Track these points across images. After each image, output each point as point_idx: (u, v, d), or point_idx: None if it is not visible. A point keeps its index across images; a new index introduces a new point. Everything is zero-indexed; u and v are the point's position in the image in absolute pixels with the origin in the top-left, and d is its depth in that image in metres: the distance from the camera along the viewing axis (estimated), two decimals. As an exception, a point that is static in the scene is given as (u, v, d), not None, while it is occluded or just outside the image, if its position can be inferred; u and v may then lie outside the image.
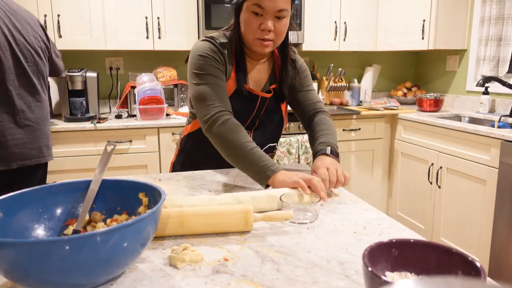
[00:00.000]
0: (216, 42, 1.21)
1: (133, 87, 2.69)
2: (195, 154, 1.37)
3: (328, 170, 1.06)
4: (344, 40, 3.12)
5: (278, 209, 0.97)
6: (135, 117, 2.68)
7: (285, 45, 1.27)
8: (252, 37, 1.15)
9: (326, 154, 1.15)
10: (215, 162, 1.32)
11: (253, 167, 1.08)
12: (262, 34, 1.13)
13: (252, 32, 1.14)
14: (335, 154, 1.17)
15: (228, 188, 1.14)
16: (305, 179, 1.00)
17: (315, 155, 1.19)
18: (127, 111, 2.79)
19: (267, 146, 1.39)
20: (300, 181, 0.98)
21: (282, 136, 2.73)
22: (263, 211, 0.96)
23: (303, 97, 1.36)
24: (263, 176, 1.06)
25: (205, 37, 1.23)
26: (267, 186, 1.08)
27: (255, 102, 1.28)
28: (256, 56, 1.26)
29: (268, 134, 1.38)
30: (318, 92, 3.29)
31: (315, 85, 3.26)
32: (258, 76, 1.30)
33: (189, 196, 1.03)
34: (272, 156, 1.44)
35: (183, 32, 2.78)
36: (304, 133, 2.77)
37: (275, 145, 1.43)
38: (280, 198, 0.93)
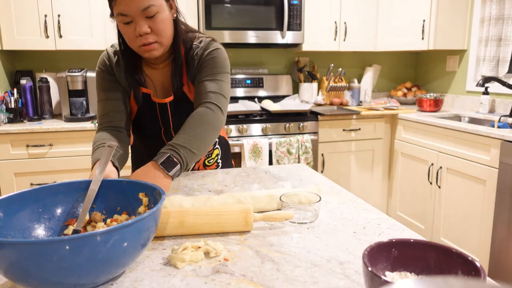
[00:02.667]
0: (110, 52, 1.20)
1: (133, 87, 2.69)
2: (140, 164, 1.25)
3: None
4: (344, 40, 3.12)
5: (278, 209, 0.97)
6: (135, 117, 2.68)
7: (176, 42, 1.15)
8: (135, 46, 1.07)
9: (154, 162, 0.98)
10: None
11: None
12: (141, 40, 1.04)
13: (132, 41, 1.07)
14: (170, 164, 0.98)
15: (228, 188, 1.15)
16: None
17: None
18: (127, 111, 2.79)
19: None
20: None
21: (282, 136, 2.74)
22: (263, 211, 0.96)
23: (199, 88, 1.16)
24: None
25: (110, 45, 1.24)
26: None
27: (155, 109, 1.22)
28: (154, 61, 1.18)
29: None
30: (318, 92, 3.29)
31: (314, 85, 3.26)
32: (163, 80, 1.22)
33: (189, 196, 1.03)
34: (210, 155, 1.37)
35: (183, 32, 2.77)
36: (304, 133, 2.78)
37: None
38: (280, 198, 0.93)
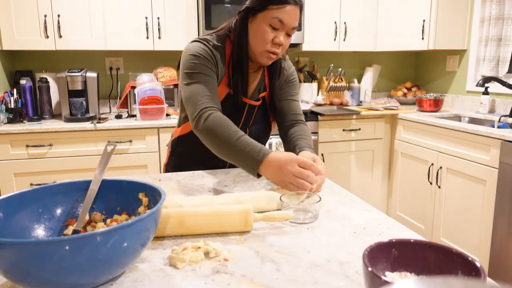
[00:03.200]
0: (209, 44, 1.19)
1: (133, 87, 2.69)
2: (186, 156, 1.36)
3: (314, 160, 1.05)
4: (344, 40, 3.12)
5: (278, 209, 0.97)
6: (135, 117, 2.68)
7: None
8: (263, 49, 1.15)
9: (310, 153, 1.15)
10: (207, 164, 1.33)
11: (241, 157, 1.03)
12: (273, 48, 1.15)
13: (264, 44, 1.14)
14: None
15: (228, 188, 1.14)
16: (301, 176, 0.97)
17: (296, 150, 1.19)
18: (127, 111, 2.79)
19: None
20: (296, 181, 0.97)
21: (282, 136, 2.75)
22: (263, 211, 0.96)
23: (287, 106, 1.32)
24: (251, 168, 1.02)
25: (198, 38, 1.22)
26: (259, 176, 1.05)
27: (242, 110, 1.28)
28: (252, 66, 1.26)
29: (257, 140, 1.33)
30: (318, 92, 3.29)
31: (314, 85, 3.26)
32: (250, 83, 1.30)
33: (189, 196, 1.03)
34: None
35: (183, 32, 2.78)
36: (304, 133, 2.78)
37: None
38: (280, 198, 0.93)
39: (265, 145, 1.40)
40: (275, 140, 2.66)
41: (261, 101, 1.31)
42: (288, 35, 1.16)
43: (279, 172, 0.98)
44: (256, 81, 1.30)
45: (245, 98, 1.26)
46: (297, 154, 1.12)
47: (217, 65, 1.20)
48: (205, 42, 1.19)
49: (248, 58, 1.21)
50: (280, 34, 1.13)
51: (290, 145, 1.27)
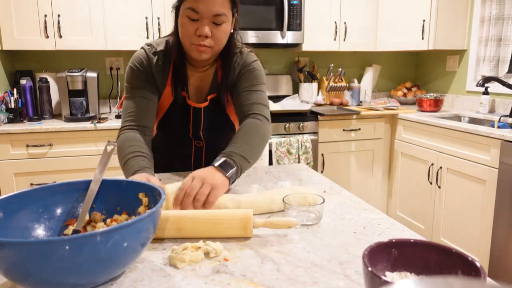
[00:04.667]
0: (151, 51, 1.19)
1: (133, 87, 2.68)
2: (157, 162, 1.26)
3: (193, 179, 0.93)
4: (344, 40, 3.12)
5: (279, 211, 0.97)
6: (135, 117, 2.67)
7: (227, 52, 1.19)
8: (189, 42, 1.09)
9: (212, 166, 0.99)
10: (176, 169, 1.32)
11: (126, 177, 1.04)
12: (198, 40, 1.07)
13: (188, 37, 1.08)
14: (227, 166, 1.00)
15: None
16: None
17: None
18: (127, 111, 2.79)
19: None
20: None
21: (282, 136, 2.74)
22: (265, 212, 0.96)
23: (242, 98, 1.21)
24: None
25: (145, 44, 1.22)
26: None
27: (188, 113, 1.24)
28: (197, 63, 1.20)
29: (219, 142, 1.30)
30: (318, 92, 3.29)
31: (314, 85, 3.26)
32: (200, 84, 1.24)
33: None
34: None
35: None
36: (304, 133, 2.78)
37: None
38: (283, 200, 0.92)
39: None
40: (275, 140, 2.66)
41: (207, 102, 1.23)
42: (216, 24, 1.07)
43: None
44: (207, 81, 1.24)
45: (190, 101, 1.23)
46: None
47: (155, 73, 1.18)
48: (147, 50, 1.19)
49: (184, 54, 1.17)
50: (202, 24, 1.06)
51: None
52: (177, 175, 1.27)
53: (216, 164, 0.99)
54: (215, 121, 1.27)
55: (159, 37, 2.68)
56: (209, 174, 0.94)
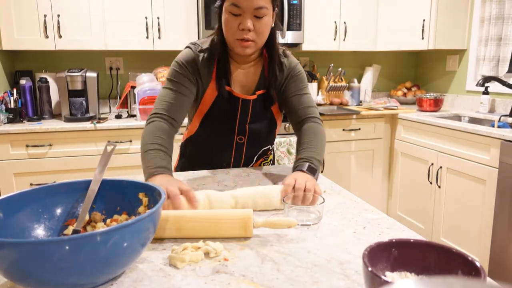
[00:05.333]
0: (197, 49, 1.22)
1: (133, 87, 2.69)
2: (194, 158, 1.38)
3: (295, 180, 1.00)
4: (344, 40, 3.12)
5: (278, 209, 0.97)
6: (135, 117, 2.68)
7: (271, 46, 1.25)
8: (232, 38, 1.13)
9: (301, 171, 1.09)
10: (213, 164, 1.36)
11: (143, 167, 1.07)
12: (242, 34, 1.11)
13: (231, 33, 1.13)
14: (312, 170, 1.10)
15: (228, 188, 1.14)
16: (181, 189, 0.91)
17: (294, 170, 1.13)
18: (127, 111, 2.79)
19: (261, 151, 1.40)
20: (169, 190, 0.89)
21: (282, 136, 2.74)
22: (264, 209, 0.96)
23: (295, 101, 1.29)
24: (145, 177, 1.03)
25: (190, 43, 1.25)
26: None
27: (237, 105, 1.26)
28: (242, 59, 1.23)
29: (261, 138, 1.37)
30: (318, 92, 3.29)
31: (314, 85, 3.26)
32: (245, 80, 1.27)
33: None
34: (267, 158, 1.45)
35: (183, 32, 2.78)
36: (304, 133, 2.77)
37: (269, 148, 1.43)
38: (283, 200, 0.92)
39: (272, 143, 1.43)
40: (294, 138, 2.64)
41: (256, 96, 1.27)
42: (258, 18, 1.11)
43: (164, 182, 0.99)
44: (254, 77, 1.28)
45: (238, 93, 1.25)
46: (293, 170, 1.13)
47: (200, 69, 1.22)
48: (193, 48, 1.23)
49: (227, 50, 1.21)
50: (244, 19, 1.09)
51: (297, 155, 1.21)
52: (210, 173, 1.27)
53: (304, 169, 1.09)
54: (261, 116, 1.31)
55: (159, 37, 2.70)
56: (304, 176, 1.03)
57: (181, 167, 1.42)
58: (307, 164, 1.11)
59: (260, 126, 1.33)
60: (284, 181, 1.02)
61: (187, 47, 1.24)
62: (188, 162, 1.40)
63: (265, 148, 1.41)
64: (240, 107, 1.27)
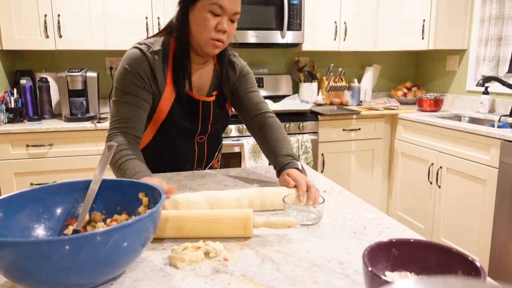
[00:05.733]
0: (148, 50, 1.15)
1: (133, 87, 2.68)
2: (153, 167, 1.28)
3: (306, 182, 1.02)
4: (344, 40, 3.12)
5: (278, 209, 0.97)
6: (135, 117, 2.67)
7: (226, 51, 1.27)
8: (207, 37, 1.11)
9: (297, 169, 1.10)
10: (176, 170, 1.35)
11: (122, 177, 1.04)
12: (217, 35, 1.11)
13: (207, 32, 1.11)
14: (298, 165, 1.12)
15: (228, 188, 1.14)
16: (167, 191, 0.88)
17: (284, 166, 1.12)
18: (127, 111, 2.79)
19: (219, 146, 1.45)
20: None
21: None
22: (262, 210, 0.96)
23: (245, 99, 1.31)
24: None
25: (138, 43, 1.18)
26: None
27: (197, 107, 1.25)
28: (199, 60, 1.22)
29: (218, 136, 1.42)
30: (318, 92, 3.29)
31: (314, 85, 3.26)
32: (200, 81, 1.26)
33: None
34: (220, 151, 1.47)
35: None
36: (304, 133, 2.77)
37: (222, 142, 1.48)
38: (283, 200, 0.92)
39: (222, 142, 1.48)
40: (293, 138, 2.64)
41: (214, 97, 1.27)
42: (232, 21, 1.13)
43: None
44: (208, 77, 1.27)
45: (197, 95, 1.24)
46: (282, 169, 1.11)
47: (154, 74, 1.16)
48: (145, 49, 1.16)
49: (189, 50, 1.18)
50: (223, 20, 1.10)
51: (270, 153, 1.21)
52: (210, 173, 1.27)
53: (299, 167, 1.12)
54: (220, 114, 1.33)
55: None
56: (303, 175, 1.07)
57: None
58: (295, 161, 1.14)
59: (220, 124, 1.35)
60: (296, 183, 1.03)
61: (136, 47, 1.16)
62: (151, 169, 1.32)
63: (221, 144, 1.47)
64: (201, 109, 1.25)
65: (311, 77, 3.29)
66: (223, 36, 1.12)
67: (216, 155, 1.43)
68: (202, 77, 1.26)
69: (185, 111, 1.23)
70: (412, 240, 0.61)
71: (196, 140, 1.33)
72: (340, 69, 3.24)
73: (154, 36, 1.23)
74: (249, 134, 2.67)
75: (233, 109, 1.38)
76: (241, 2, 1.14)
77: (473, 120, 2.87)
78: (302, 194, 0.97)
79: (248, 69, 1.35)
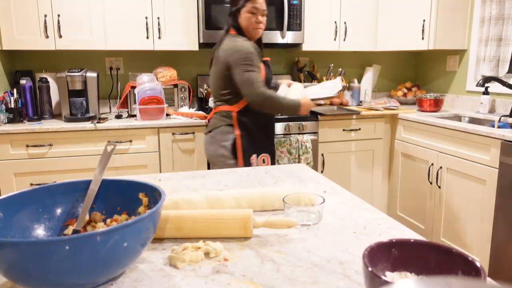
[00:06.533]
0: (251, 43, 1.91)
1: (133, 87, 2.69)
2: (251, 126, 1.98)
3: None
4: (344, 40, 3.12)
5: (280, 209, 0.97)
6: (135, 117, 2.68)
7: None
8: (252, 27, 1.94)
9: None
10: (269, 130, 2.09)
11: (289, 107, 1.91)
12: (260, 24, 1.95)
13: (253, 23, 1.93)
14: None
15: (228, 188, 1.14)
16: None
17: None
18: (127, 111, 2.79)
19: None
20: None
21: (282, 136, 2.74)
22: (262, 210, 0.96)
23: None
24: (296, 109, 1.92)
25: (240, 37, 1.91)
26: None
27: (269, 69, 2.06)
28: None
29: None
30: (318, 92, 3.30)
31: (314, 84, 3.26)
32: None
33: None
34: None
35: (183, 32, 2.78)
36: (304, 133, 2.78)
37: None
38: (283, 200, 0.92)
39: None
40: (275, 140, 2.64)
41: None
42: (263, 16, 1.94)
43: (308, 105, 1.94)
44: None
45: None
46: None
47: (259, 56, 1.92)
48: (249, 41, 1.91)
49: (260, 45, 2.07)
50: (259, 16, 1.92)
51: None
52: (210, 174, 1.27)
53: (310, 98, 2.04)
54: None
55: (159, 37, 2.70)
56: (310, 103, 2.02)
57: (244, 138, 1.96)
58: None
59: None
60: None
61: (246, 40, 1.90)
62: (249, 132, 1.97)
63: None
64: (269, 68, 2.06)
65: (311, 77, 3.29)
66: (261, 25, 1.95)
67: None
68: None
69: (268, 77, 2.01)
70: (412, 240, 0.61)
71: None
72: (340, 69, 3.24)
73: (233, 35, 1.95)
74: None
75: None
76: (265, 4, 1.94)
77: (473, 120, 2.87)
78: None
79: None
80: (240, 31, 1.94)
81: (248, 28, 1.92)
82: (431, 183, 2.65)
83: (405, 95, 3.46)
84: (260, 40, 2.06)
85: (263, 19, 1.94)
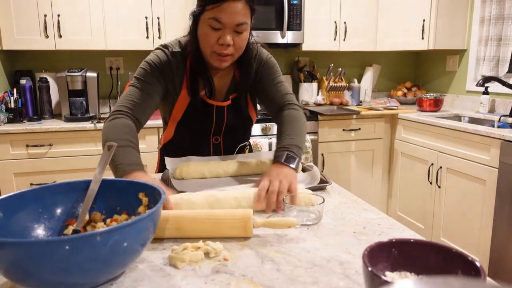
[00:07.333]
0: (168, 51, 1.20)
1: (133, 87, 2.68)
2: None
3: (270, 182, 0.97)
4: (344, 40, 3.12)
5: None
6: (135, 117, 2.67)
7: (246, 55, 1.23)
8: (210, 51, 1.12)
9: (279, 163, 1.07)
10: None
11: (114, 163, 0.98)
12: (221, 49, 1.10)
13: (209, 46, 1.11)
14: (291, 159, 1.08)
15: (228, 188, 1.14)
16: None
17: (274, 161, 1.11)
18: (127, 111, 2.79)
19: (238, 147, 1.40)
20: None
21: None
22: (262, 209, 0.96)
23: (271, 91, 1.29)
24: (118, 174, 0.97)
25: (160, 45, 1.23)
26: None
27: (211, 111, 1.26)
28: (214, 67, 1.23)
29: (237, 137, 1.39)
30: (318, 92, 3.29)
31: (314, 85, 3.26)
32: (218, 83, 1.26)
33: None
34: (243, 149, 1.44)
35: (182, 32, 2.77)
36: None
37: (245, 144, 1.44)
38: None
39: (248, 139, 1.44)
40: (275, 140, 2.65)
41: (229, 101, 1.27)
42: (238, 33, 1.10)
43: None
44: (226, 79, 1.28)
45: (212, 100, 1.25)
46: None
47: (172, 73, 1.20)
48: (165, 50, 1.20)
49: (200, 59, 1.19)
50: (224, 33, 1.08)
51: (277, 144, 1.19)
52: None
53: (282, 160, 1.08)
54: (237, 118, 1.31)
55: (159, 37, 2.70)
56: (280, 172, 1.01)
57: (162, 171, 1.39)
58: (285, 153, 1.09)
59: (235, 126, 1.33)
60: (259, 181, 1.00)
61: (158, 48, 1.21)
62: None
63: (241, 145, 1.41)
64: (215, 113, 1.27)
65: (311, 77, 3.29)
66: (228, 49, 1.10)
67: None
68: (221, 80, 1.27)
69: (200, 114, 1.25)
70: (412, 240, 0.61)
71: (211, 141, 1.34)
72: (340, 69, 3.24)
73: (175, 40, 1.26)
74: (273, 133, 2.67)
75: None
76: (250, 11, 1.10)
77: (473, 120, 2.87)
78: (257, 200, 0.93)
79: (273, 61, 1.32)
80: (193, 47, 1.19)
81: (203, 50, 1.15)
82: (431, 183, 2.65)
83: (405, 95, 3.46)
84: (242, 62, 1.29)
85: (236, 40, 1.11)
